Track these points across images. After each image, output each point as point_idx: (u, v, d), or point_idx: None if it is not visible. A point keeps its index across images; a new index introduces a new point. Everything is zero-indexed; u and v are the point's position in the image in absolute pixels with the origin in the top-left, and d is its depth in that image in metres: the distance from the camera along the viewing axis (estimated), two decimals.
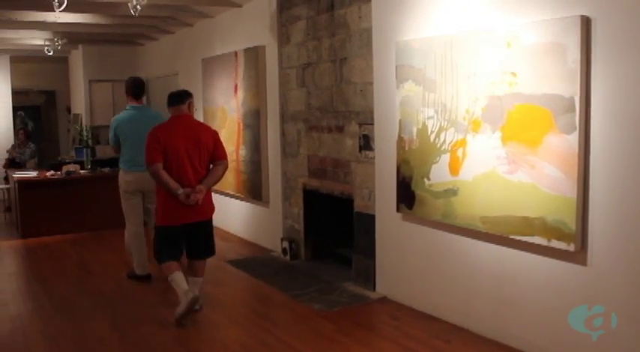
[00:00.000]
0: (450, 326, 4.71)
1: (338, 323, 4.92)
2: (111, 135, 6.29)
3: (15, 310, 5.54)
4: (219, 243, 7.88)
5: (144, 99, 6.24)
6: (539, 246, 3.94)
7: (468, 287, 4.59)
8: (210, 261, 7.11)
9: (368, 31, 5.50)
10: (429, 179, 4.78)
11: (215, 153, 5.17)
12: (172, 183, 4.95)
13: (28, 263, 7.51)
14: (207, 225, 5.27)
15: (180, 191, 4.94)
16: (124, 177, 6.27)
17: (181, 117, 5.13)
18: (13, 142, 11.69)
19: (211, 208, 5.27)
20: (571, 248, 3.72)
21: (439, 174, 4.68)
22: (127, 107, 6.33)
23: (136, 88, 6.32)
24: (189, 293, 4.97)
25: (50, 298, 5.86)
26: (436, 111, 4.66)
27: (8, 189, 10.65)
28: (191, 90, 9.21)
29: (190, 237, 5.20)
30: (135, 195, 6.25)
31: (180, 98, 5.18)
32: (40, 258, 7.57)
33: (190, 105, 5.22)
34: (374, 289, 5.57)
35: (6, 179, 10.86)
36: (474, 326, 4.56)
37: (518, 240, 4.07)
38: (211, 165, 5.21)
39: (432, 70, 4.68)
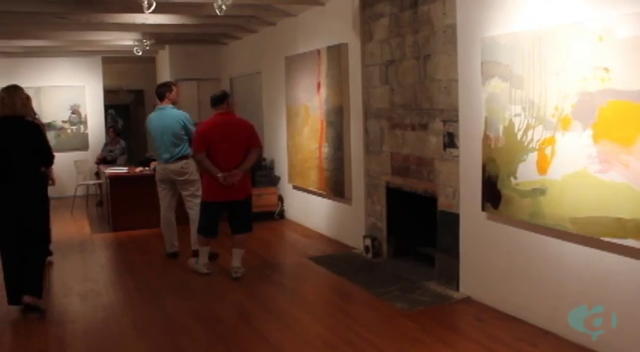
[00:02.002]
0: (536, 330, 4.59)
1: (421, 322, 4.88)
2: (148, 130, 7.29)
3: (107, 299, 5.78)
4: (300, 240, 8.08)
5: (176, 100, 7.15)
6: (632, 248, 3.78)
7: (555, 290, 4.46)
8: (292, 257, 7.37)
9: (452, 27, 5.42)
10: (515, 178, 4.67)
11: (250, 142, 6.19)
12: (213, 168, 6.01)
13: (118, 255, 7.81)
14: (244, 203, 6.25)
15: (220, 174, 5.97)
16: (157, 168, 7.24)
17: (222, 115, 6.17)
18: (104, 140, 12.16)
19: (246, 190, 6.27)
20: None
21: (526, 173, 4.56)
22: (155, 107, 7.25)
23: (157, 90, 7.19)
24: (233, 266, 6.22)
25: (139, 289, 6.09)
26: (523, 109, 4.55)
27: (100, 185, 11.10)
28: (274, 89, 9.38)
29: (230, 213, 6.24)
30: (164, 184, 7.04)
31: (220, 100, 6.21)
32: (130, 250, 7.86)
33: (229, 103, 6.24)
34: (457, 289, 5.50)
35: (97, 175, 11.32)
36: (561, 330, 4.41)
37: (610, 242, 3.92)
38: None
39: (519, 66, 4.56)
